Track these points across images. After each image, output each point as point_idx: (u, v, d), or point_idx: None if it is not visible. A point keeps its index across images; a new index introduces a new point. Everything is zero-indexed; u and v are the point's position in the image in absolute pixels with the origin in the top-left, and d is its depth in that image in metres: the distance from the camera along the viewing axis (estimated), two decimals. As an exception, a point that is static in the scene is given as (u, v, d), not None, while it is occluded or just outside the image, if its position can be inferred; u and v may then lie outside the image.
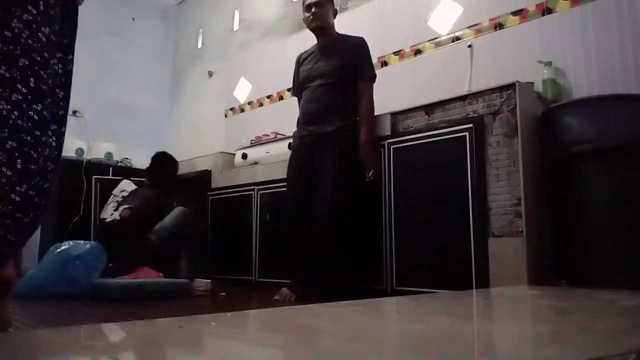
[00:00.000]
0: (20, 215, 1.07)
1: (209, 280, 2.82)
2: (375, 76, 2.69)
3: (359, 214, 2.59)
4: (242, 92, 4.68)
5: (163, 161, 3.60)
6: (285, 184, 2.79)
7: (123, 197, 3.33)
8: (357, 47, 2.68)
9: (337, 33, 2.80)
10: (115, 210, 3.21)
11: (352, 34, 2.78)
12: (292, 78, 2.90)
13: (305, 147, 2.66)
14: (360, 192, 2.58)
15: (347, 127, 2.59)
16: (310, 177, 2.57)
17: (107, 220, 3.21)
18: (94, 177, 4.20)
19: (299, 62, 2.87)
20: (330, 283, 2.40)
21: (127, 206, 3.16)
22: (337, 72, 2.64)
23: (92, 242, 2.82)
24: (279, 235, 3.19)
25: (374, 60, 3.45)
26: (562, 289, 1.99)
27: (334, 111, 2.61)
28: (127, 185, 3.47)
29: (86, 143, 4.48)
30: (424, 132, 2.47)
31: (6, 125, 1.04)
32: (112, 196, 3.44)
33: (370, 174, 2.53)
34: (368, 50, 2.70)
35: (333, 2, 2.80)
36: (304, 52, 2.88)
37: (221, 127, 4.85)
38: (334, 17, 2.80)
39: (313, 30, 2.76)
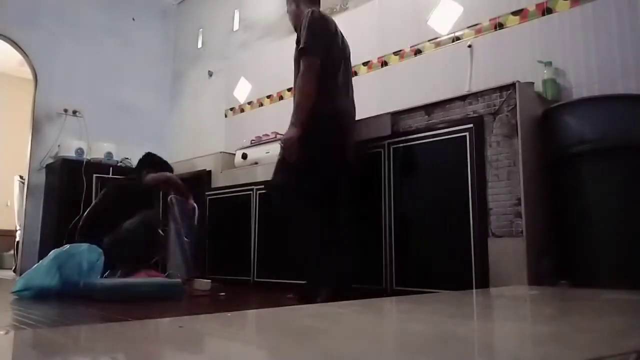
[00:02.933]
0: None
1: (209, 280, 2.82)
2: (305, 46, 2.34)
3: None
4: (242, 92, 4.68)
5: (151, 158, 3.46)
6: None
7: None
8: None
9: None
10: None
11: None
12: (292, 77, 2.85)
13: None
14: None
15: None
16: None
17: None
18: (94, 175, 4.22)
19: None
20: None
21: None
22: (295, 60, 2.47)
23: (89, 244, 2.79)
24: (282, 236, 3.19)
25: (374, 60, 3.47)
26: (562, 289, 1.99)
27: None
28: None
29: (86, 143, 4.48)
30: (424, 132, 2.47)
31: None
32: None
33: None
34: (305, 22, 2.40)
35: None
36: None
37: (221, 127, 4.85)
38: (301, 4, 2.57)
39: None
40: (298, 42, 2.45)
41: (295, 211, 2.41)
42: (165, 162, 3.49)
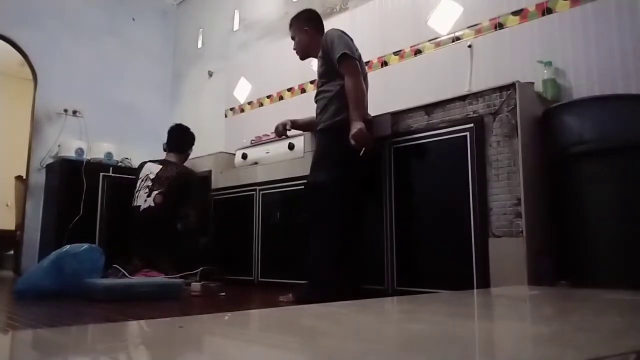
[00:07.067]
0: None
1: (201, 282, 2.81)
2: (345, 52, 2.45)
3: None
4: (242, 92, 4.68)
5: (182, 133, 3.79)
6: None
7: (152, 180, 3.46)
8: (322, 44, 2.60)
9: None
10: (148, 196, 3.39)
11: (352, 34, 2.73)
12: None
13: None
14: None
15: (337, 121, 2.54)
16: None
17: (143, 207, 3.39)
18: (101, 174, 4.23)
19: None
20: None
21: (158, 191, 3.36)
22: (321, 75, 2.63)
23: (90, 244, 2.79)
24: (283, 235, 3.19)
25: (374, 60, 3.47)
26: (562, 289, 1.99)
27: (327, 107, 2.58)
28: (152, 168, 3.58)
29: (86, 143, 4.48)
30: (424, 132, 2.47)
31: None
32: (140, 181, 3.57)
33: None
34: (332, 37, 2.55)
35: (302, 23, 2.75)
36: None
37: (221, 127, 4.85)
38: (311, 33, 2.72)
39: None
40: (325, 60, 2.57)
41: (329, 209, 2.42)
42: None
